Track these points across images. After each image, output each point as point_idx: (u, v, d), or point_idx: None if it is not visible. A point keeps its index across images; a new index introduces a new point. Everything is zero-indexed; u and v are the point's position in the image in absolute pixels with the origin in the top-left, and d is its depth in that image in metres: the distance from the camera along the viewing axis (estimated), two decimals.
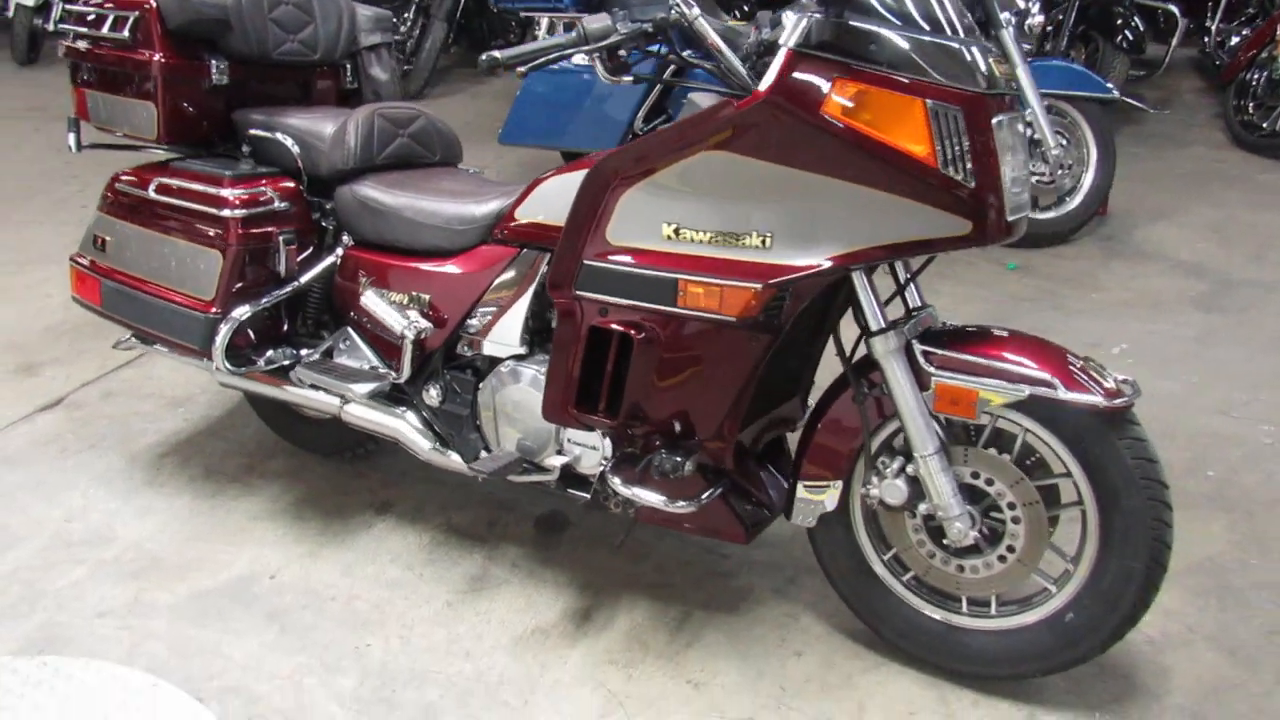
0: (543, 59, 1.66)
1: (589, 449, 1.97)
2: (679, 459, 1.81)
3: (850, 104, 1.54)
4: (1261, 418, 2.82)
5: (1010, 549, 1.77)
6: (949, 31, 1.58)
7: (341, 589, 2.18)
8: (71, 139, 2.36)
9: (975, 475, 1.78)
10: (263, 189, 2.15)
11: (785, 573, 2.20)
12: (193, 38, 2.25)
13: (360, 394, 2.11)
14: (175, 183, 2.19)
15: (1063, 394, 1.61)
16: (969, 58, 1.56)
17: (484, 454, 2.09)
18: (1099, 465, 1.67)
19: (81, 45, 2.35)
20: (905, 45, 1.54)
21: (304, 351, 2.28)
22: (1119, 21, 4.93)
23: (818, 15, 1.54)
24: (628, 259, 1.75)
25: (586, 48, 1.63)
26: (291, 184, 2.23)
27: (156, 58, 2.21)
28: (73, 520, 2.43)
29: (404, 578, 2.21)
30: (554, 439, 2.00)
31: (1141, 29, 5.11)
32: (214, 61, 2.27)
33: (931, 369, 1.71)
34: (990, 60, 1.59)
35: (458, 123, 2.57)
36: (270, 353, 2.26)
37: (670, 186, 1.69)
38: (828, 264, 1.61)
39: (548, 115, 4.19)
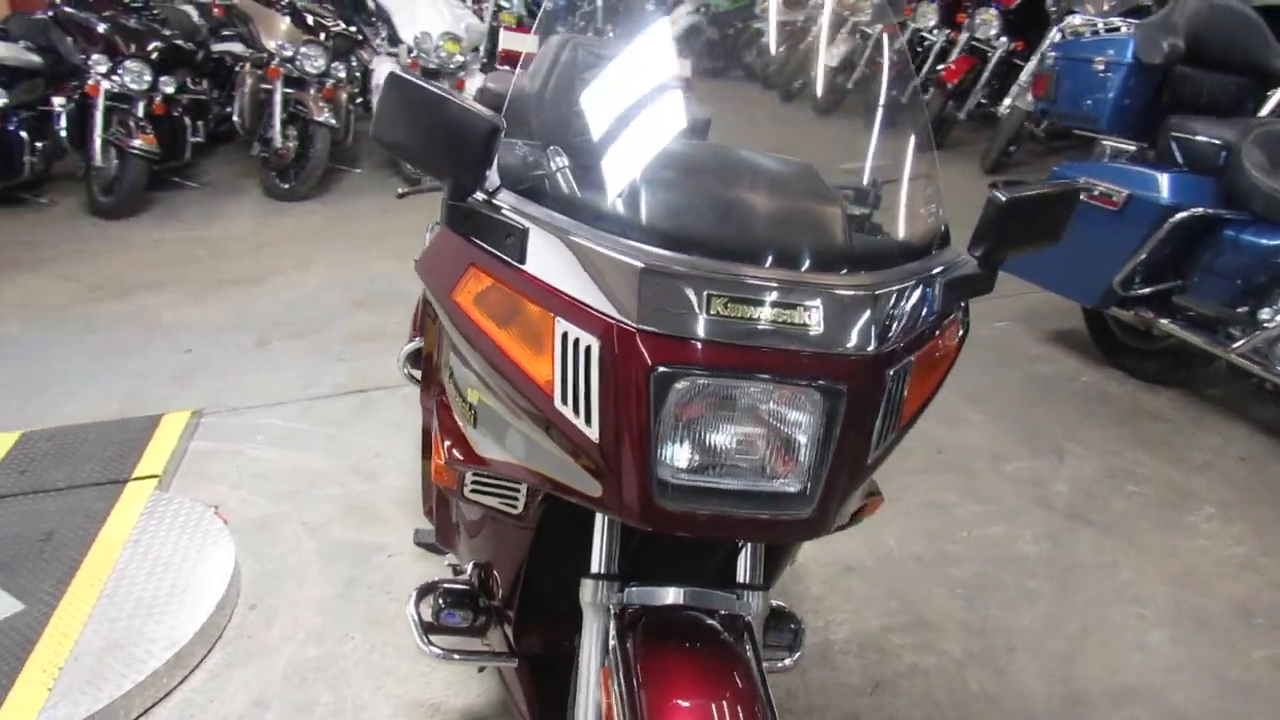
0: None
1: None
2: (442, 603, 1.80)
3: (481, 297, 1.31)
4: None
5: None
6: (691, 248, 1.18)
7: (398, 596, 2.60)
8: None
9: None
10: None
11: None
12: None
13: None
14: None
15: None
16: (638, 281, 1.15)
17: None
18: None
19: None
20: (555, 243, 1.23)
21: None
22: None
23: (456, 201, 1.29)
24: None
25: None
26: None
27: None
28: (376, 456, 3.27)
29: None
30: None
31: None
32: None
33: (611, 648, 1.41)
34: (741, 297, 1.15)
35: None
36: None
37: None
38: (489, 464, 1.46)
39: (1042, 251, 3.61)
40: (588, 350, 1.18)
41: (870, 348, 1.18)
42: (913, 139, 1.56)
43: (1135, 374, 3.79)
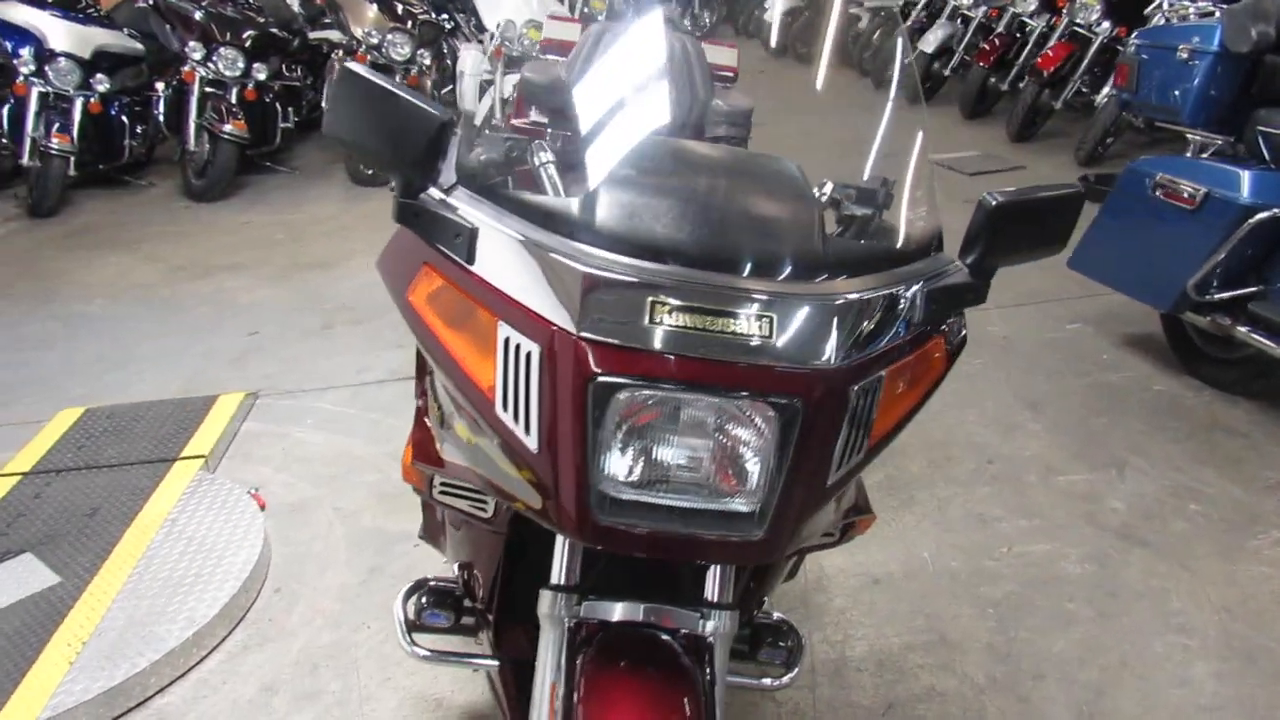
0: None
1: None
2: (425, 602, 1.80)
3: (433, 298, 1.27)
4: None
5: None
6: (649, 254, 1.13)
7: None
8: None
9: None
10: None
11: None
12: (543, 108, 2.72)
13: None
14: None
15: None
16: (580, 286, 1.09)
17: None
18: None
19: None
20: (504, 243, 1.17)
21: None
22: None
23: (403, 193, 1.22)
24: None
25: None
26: None
27: (513, 120, 2.78)
28: None
29: None
30: None
31: None
32: (550, 129, 2.73)
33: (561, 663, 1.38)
34: (694, 305, 1.09)
35: None
36: None
37: None
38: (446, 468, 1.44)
39: (1114, 249, 3.41)
40: (528, 356, 1.14)
41: (832, 361, 1.10)
42: (919, 135, 1.48)
43: (1213, 383, 3.54)
